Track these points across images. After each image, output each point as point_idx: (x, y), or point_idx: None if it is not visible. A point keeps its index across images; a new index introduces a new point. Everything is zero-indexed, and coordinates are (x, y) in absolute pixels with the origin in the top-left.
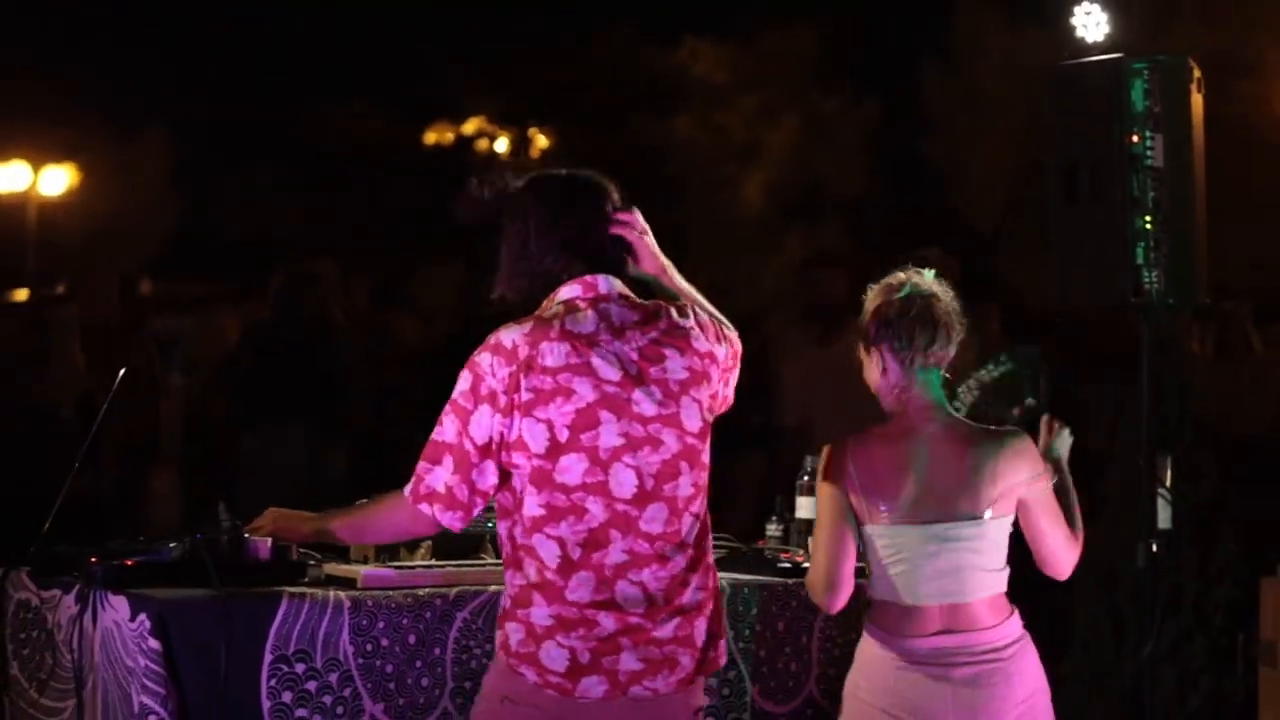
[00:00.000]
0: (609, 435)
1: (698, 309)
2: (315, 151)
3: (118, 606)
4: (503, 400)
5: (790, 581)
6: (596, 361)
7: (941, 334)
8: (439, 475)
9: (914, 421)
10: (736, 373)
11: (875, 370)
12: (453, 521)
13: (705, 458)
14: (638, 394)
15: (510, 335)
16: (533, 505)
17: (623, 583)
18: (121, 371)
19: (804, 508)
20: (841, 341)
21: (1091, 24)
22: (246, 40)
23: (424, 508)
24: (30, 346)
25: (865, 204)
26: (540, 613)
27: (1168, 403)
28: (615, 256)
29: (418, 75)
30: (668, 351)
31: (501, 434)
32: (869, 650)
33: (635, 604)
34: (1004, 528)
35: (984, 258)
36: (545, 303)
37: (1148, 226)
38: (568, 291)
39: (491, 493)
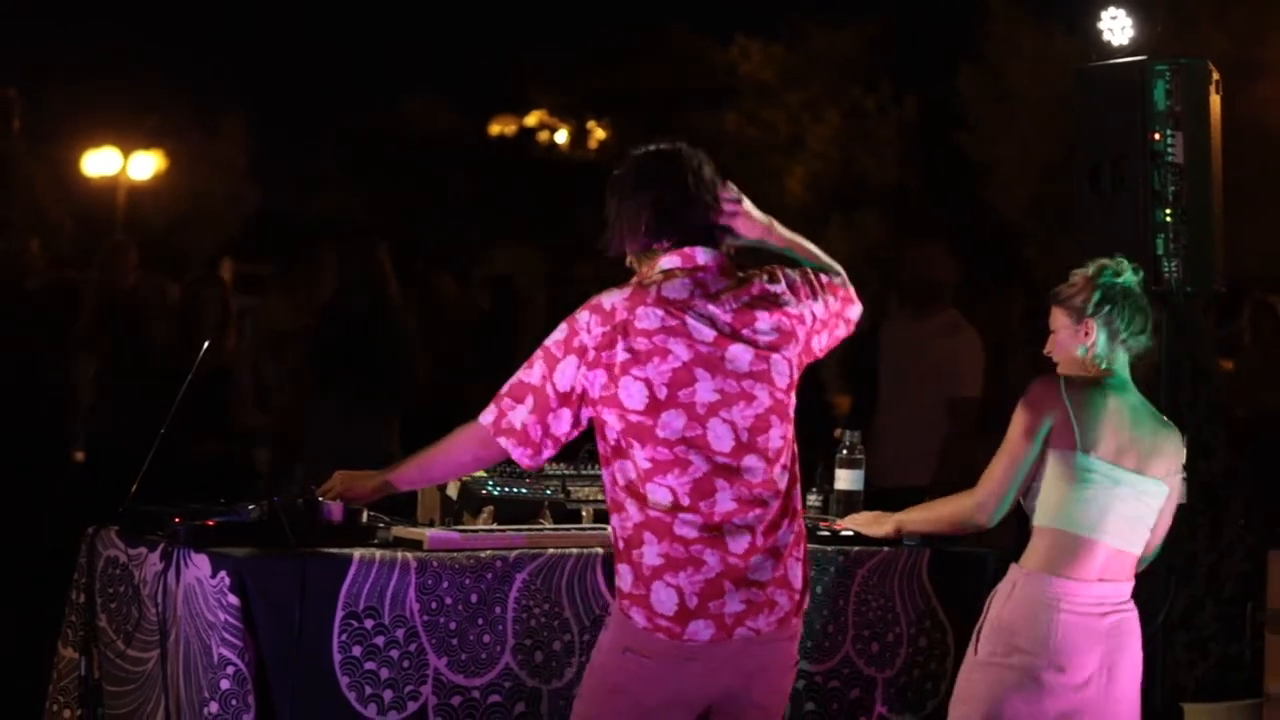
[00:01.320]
0: (705, 391)
1: (787, 272)
2: (385, 141)
3: (199, 564)
4: (591, 355)
5: (829, 549)
6: (691, 323)
7: (1148, 327)
8: (519, 413)
9: (1117, 383)
10: (846, 317)
11: (1080, 338)
12: (522, 457)
13: (793, 412)
14: (731, 351)
15: (611, 299)
16: (641, 458)
17: (729, 527)
18: (206, 344)
19: (843, 479)
20: (934, 320)
21: (1117, 28)
22: (322, 36)
23: (501, 440)
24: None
25: (902, 194)
26: (651, 551)
27: (1183, 383)
28: (713, 227)
29: (483, 71)
30: (759, 313)
31: (584, 388)
32: (1028, 594)
33: (739, 546)
34: (1167, 498)
35: (1013, 245)
36: (646, 270)
37: (1168, 218)
38: (668, 261)
39: (564, 440)
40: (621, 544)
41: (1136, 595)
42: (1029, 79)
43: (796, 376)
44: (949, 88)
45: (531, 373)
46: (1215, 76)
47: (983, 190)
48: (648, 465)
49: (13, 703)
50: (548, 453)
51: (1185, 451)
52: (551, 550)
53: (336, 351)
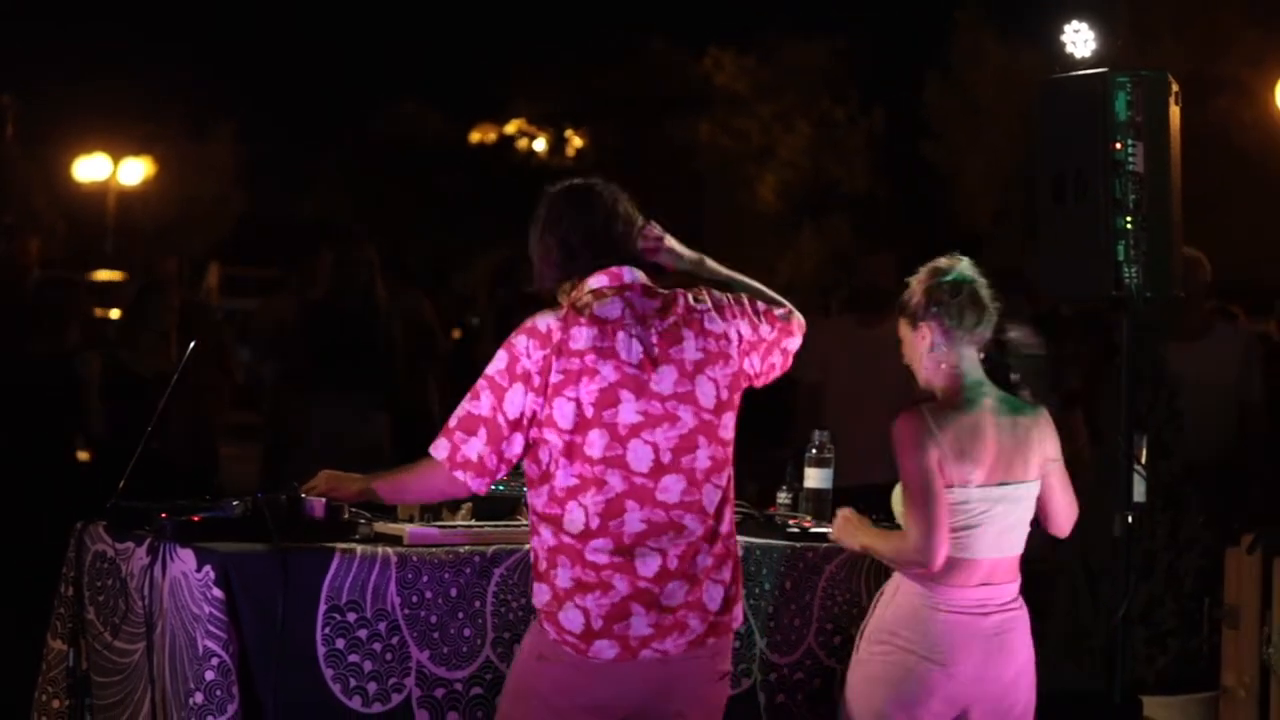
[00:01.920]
0: (628, 412)
1: (714, 292)
2: (370, 147)
3: (185, 558)
4: (536, 380)
5: (798, 545)
6: (620, 344)
7: (987, 317)
8: (473, 445)
9: (971, 394)
10: (783, 347)
11: (920, 344)
12: (479, 486)
13: (725, 433)
14: (656, 374)
15: (545, 320)
16: (566, 476)
17: (641, 549)
18: (191, 345)
19: (812, 478)
20: (884, 324)
21: (1080, 41)
22: (309, 45)
23: (458, 474)
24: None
25: (871, 202)
26: (564, 574)
27: (1143, 386)
28: (635, 249)
29: (465, 79)
30: (685, 334)
31: (534, 412)
32: (909, 599)
33: (649, 569)
34: (1035, 489)
35: (979, 252)
36: (575, 291)
37: (1128, 226)
38: (596, 281)
39: (515, 461)
40: (542, 564)
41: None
42: (993, 91)
43: (729, 396)
44: (916, 99)
45: (480, 404)
46: (1175, 89)
47: (949, 198)
48: (573, 482)
49: (3, 693)
50: (501, 475)
51: (1049, 427)
52: (527, 546)
53: (327, 350)
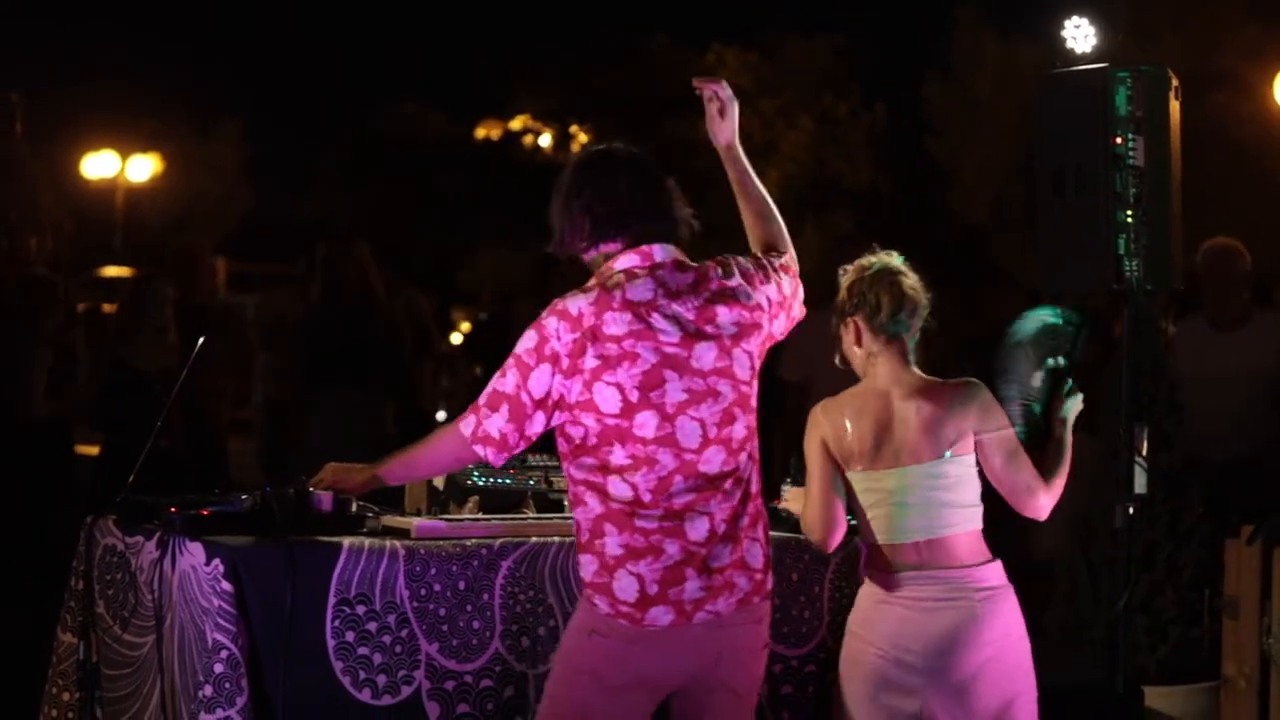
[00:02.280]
0: (675, 391)
1: (739, 260)
2: (375, 144)
3: (194, 552)
4: (565, 363)
5: (803, 537)
6: (657, 324)
7: (907, 306)
8: (495, 421)
9: (881, 382)
10: (799, 297)
11: (850, 339)
12: (498, 460)
13: (754, 400)
14: (697, 350)
15: (576, 303)
16: (620, 455)
17: (690, 514)
18: (200, 341)
19: None
20: None
21: (1080, 36)
22: (314, 43)
23: (479, 448)
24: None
25: (872, 197)
26: (613, 541)
27: (1144, 378)
28: (668, 224)
29: (470, 76)
30: (719, 309)
31: (561, 394)
32: (863, 590)
33: (699, 533)
34: (965, 464)
35: (979, 247)
36: (605, 269)
37: (1129, 219)
38: (626, 260)
39: (535, 439)
40: (586, 534)
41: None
42: (993, 87)
43: (759, 365)
44: (917, 96)
45: (505, 381)
46: (1175, 83)
47: (949, 193)
48: (626, 462)
49: (16, 685)
50: (519, 449)
51: (979, 404)
52: (535, 539)
53: (330, 346)
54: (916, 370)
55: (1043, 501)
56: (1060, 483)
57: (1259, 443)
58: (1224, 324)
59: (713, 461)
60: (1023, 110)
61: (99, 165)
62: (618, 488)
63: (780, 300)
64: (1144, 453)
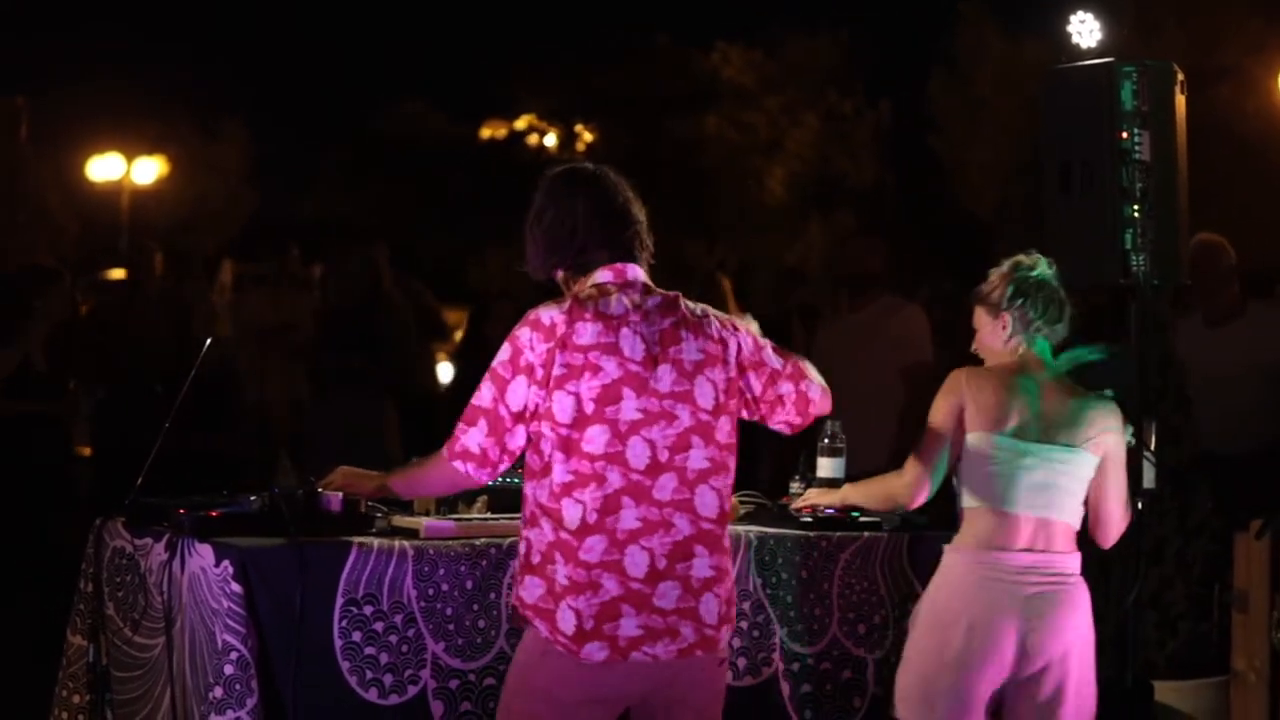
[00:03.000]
0: (629, 409)
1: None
2: (380, 145)
3: (203, 554)
4: (539, 373)
5: (812, 534)
6: (623, 341)
7: (1065, 315)
8: (474, 436)
9: (1028, 366)
10: (805, 385)
11: (999, 331)
12: (481, 477)
13: (722, 436)
14: (656, 372)
15: (549, 314)
16: (562, 472)
17: (633, 548)
18: (208, 341)
19: (824, 468)
20: (869, 308)
21: (1085, 31)
22: (318, 44)
23: (458, 464)
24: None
25: (877, 194)
26: (560, 572)
27: (1151, 372)
28: (637, 245)
29: (475, 76)
30: (684, 334)
31: (536, 404)
32: (956, 567)
33: (640, 569)
34: (1090, 464)
35: (985, 242)
36: (578, 285)
37: (1135, 215)
38: (602, 276)
39: (519, 453)
40: (538, 557)
41: (1088, 573)
42: (997, 84)
43: (725, 401)
44: (920, 92)
45: (482, 395)
46: (1180, 77)
47: (954, 189)
48: (569, 479)
49: (25, 688)
50: (504, 466)
51: (1117, 420)
52: None
53: (338, 347)
54: (1058, 371)
55: (1120, 530)
56: (1128, 518)
57: (1263, 437)
58: (1216, 319)
59: (665, 489)
60: (1027, 106)
61: (104, 168)
62: (571, 510)
63: (756, 361)
64: (1152, 447)
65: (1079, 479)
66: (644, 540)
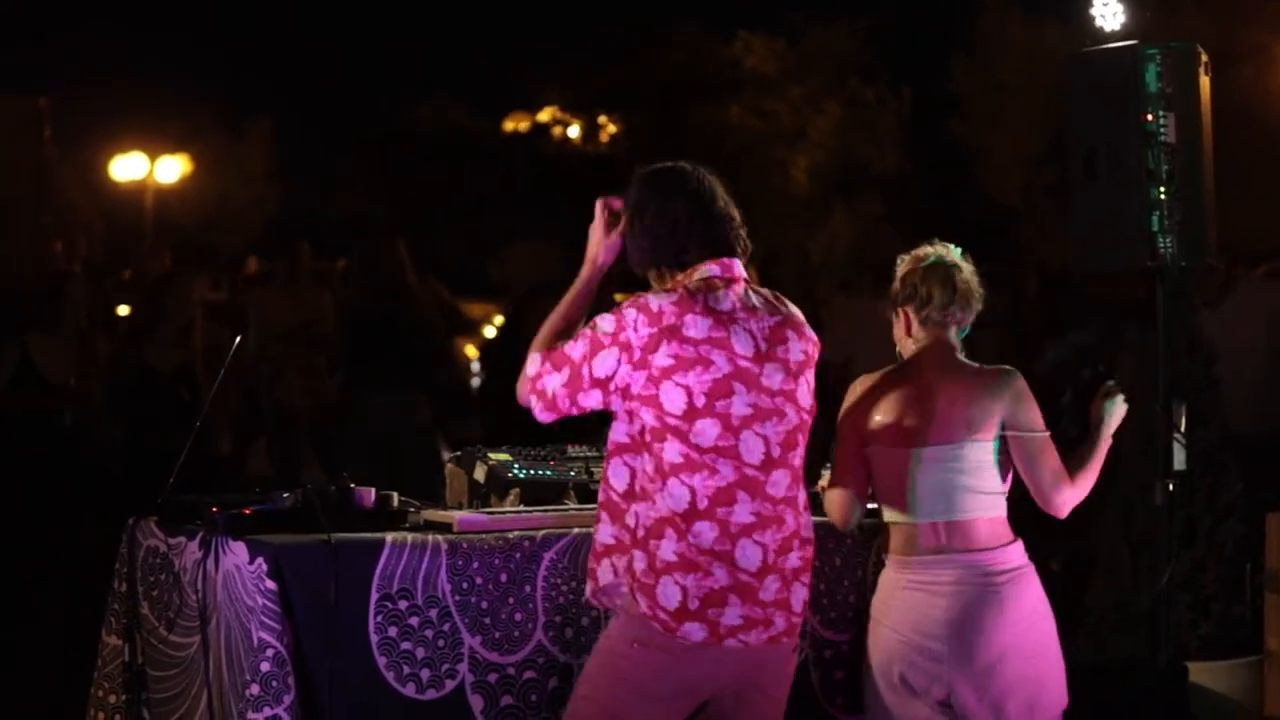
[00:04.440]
0: (740, 404)
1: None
2: (404, 141)
3: (237, 551)
4: (637, 355)
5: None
6: (734, 337)
7: (960, 299)
8: (554, 380)
9: (921, 365)
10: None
11: (900, 327)
12: (544, 416)
13: (808, 435)
14: (766, 369)
15: (659, 301)
16: (673, 453)
17: (746, 541)
18: (237, 339)
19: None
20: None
21: (1109, 14)
22: (342, 40)
23: (531, 399)
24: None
25: (900, 182)
26: (668, 546)
27: (1178, 354)
28: (737, 243)
29: (497, 69)
30: (789, 334)
31: (626, 384)
32: (884, 574)
33: (753, 563)
34: (984, 450)
35: (1010, 229)
36: (682, 276)
37: (1161, 197)
38: (709, 269)
39: (586, 411)
40: (641, 531)
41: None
42: (1020, 70)
43: (814, 403)
44: (943, 79)
45: (575, 347)
46: (1205, 59)
47: (979, 176)
48: (678, 460)
49: (60, 688)
50: (569, 413)
51: (1007, 390)
52: (577, 530)
53: (367, 343)
54: (962, 358)
55: (1063, 498)
56: (1087, 483)
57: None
58: (1209, 300)
59: (779, 485)
60: (1050, 91)
61: (128, 167)
62: (677, 490)
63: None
64: (1182, 429)
65: (978, 472)
66: (757, 535)
